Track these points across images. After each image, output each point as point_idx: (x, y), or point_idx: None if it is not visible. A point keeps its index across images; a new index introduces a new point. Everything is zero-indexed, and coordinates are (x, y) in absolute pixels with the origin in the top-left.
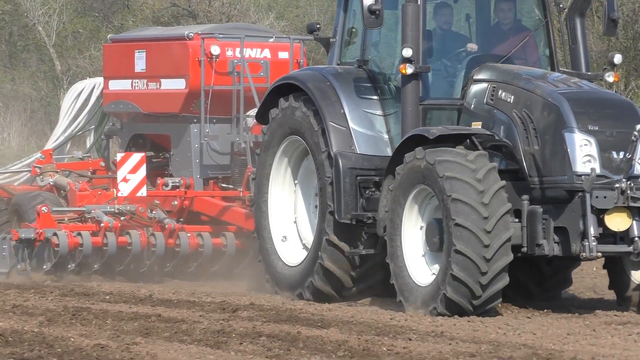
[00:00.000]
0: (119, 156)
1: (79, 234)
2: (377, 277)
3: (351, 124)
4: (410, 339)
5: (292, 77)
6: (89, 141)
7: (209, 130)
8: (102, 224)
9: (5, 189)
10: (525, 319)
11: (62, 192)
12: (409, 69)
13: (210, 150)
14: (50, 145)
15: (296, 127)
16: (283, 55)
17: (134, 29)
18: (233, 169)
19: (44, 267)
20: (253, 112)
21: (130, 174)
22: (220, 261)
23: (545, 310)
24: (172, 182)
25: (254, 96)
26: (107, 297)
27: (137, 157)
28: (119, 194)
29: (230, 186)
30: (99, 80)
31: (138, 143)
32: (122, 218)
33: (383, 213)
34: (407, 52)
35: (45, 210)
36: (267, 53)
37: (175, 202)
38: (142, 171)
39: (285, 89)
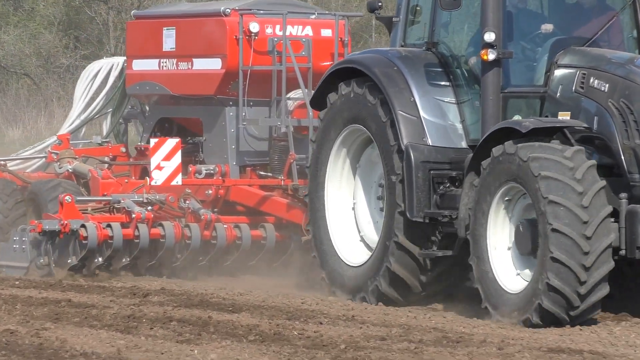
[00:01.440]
0: (152, 142)
1: (109, 226)
2: (448, 281)
3: (422, 113)
4: (321, 323)
5: (354, 61)
6: (106, 125)
7: (247, 114)
8: (133, 215)
9: (19, 177)
10: (435, 303)
11: (81, 179)
12: (491, 55)
13: (247, 135)
14: (65, 129)
15: (358, 116)
16: (326, 33)
17: (162, 4)
18: (272, 156)
19: (69, 261)
20: (294, 94)
21: (165, 161)
22: (259, 255)
23: (453, 295)
24: (206, 170)
25: (297, 77)
26: (17, 283)
27: (171, 143)
28: (152, 183)
29: (269, 174)
30: (118, 59)
31: (164, 127)
32: (149, 208)
33: (465, 211)
34: (490, 37)
35: (69, 200)
36: (309, 31)
37: (210, 191)
38: (177, 158)
39: (343, 73)
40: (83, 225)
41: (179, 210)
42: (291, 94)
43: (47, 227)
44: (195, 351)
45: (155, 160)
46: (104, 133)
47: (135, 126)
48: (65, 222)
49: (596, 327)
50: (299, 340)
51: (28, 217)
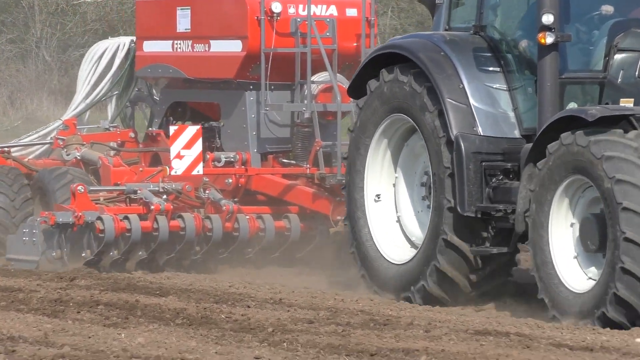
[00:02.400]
0: (172, 129)
1: (126, 218)
2: (498, 280)
3: (472, 101)
4: (248, 306)
5: (397, 46)
6: (111, 109)
7: (268, 99)
8: (151, 207)
9: (24, 164)
10: (362, 285)
11: (90, 167)
12: (549, 38)
13: (268, 121)
14: (69, 114)
15: (402, 105)
16: (351, 12)
17: None
18: (295, 142)
19: (83, 254)
20: (317, 77)
21: (185, 149)
22: (282, 246)
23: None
24: (226, 158)
25: (323, 59)
26: None
27: (192, 130)
28: (172, 172)
29: (292, 162)
30: (124, 40)
31: (177, 112)
32: (164, 197)
33: (523, 205)
34: (548, 19)
35: (82, 190)
36: (333, 10)
37: (230, 180)
38: (198, 146)
39: (383, 59)
40: (99, 218)
41: (197, 199)
42: (315, 77)
43: (60, 219)
44: (123, 335)
45: (175, 148)
46: (109, 117)
47: (142, 110)
48: (80, 214)
49: (522, 311)
50: (227, 324)
51: (35, 206)
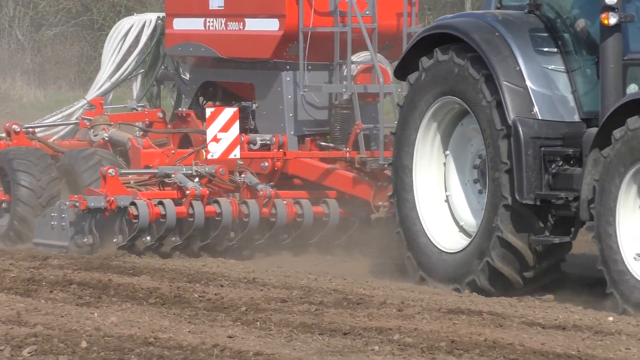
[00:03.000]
0: (208, 111)
1: (161, 203)
2: (552, 276)
3: (529, 84)
4: (222, 286)
5: (449, 26)
6: (136, 88)
7: (306, 80)
8: (187, 192)
9: (50, 145)
10: (336, 264)
11: (117, 148)
12: (612, 19)
13: (305, 102)
14: (93, 93)
15: (455, 87)
16: None
17: None
18: (333, 125)
19: (114, 240)
20: (357, 57)
21: (222, 132)
22: (320, 232)
23: (355, 256)
24: (261, 140)
25: (365, 39)
26: None
27: (229, 112)
28: (209, 156)
29: (331, 145)
30: (150, 16)
31: (208, 91)
32: (196, 180)
33: (587, 192)
34: None
35: (113, 174)
36: None
37: (266, 164)
38: (235, 129)
39: (433, 39)
40: (133, 203)
41: (231, 183)
42: (354, 57)
43: (92, 204)
44: (96, 314)
45: (211, 131)
46: (135, 96)
47: (168, 88)
48: (112, 198)
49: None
50: (200, 303)
51: (62, 188)
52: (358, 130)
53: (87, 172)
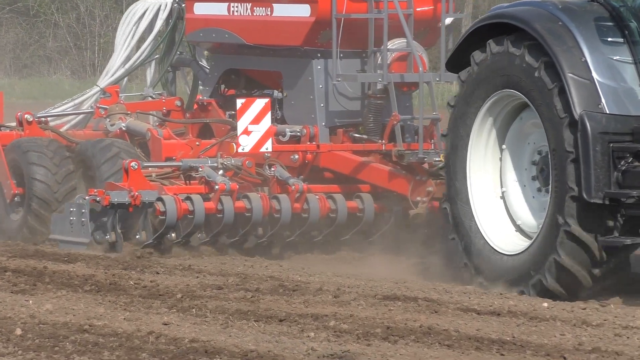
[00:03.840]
0: (239, 103)
1: (189, 199)
2: (621, 273)
3: (595, 76)
4: (157, 273)
5: (507, 15)
6: (150, 74)
7: (339, 68)
8: (216, 187)
9: (63, 135)
10: (271, 252)
11: (135, 138)
12: None
13: (337, 92)
14: (106, 80)
15: (512, 80)
16: None
17: None
18: (366, 116)
19: (137, 237)
20: (392, 44)
21: (253, 124)
22: (354, 228)
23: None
24: (291, 132)
25: (402, 25)
26: None
27: (260, 103)
28: (240, 149)
29: (364, 136)
30: (165, 0)
31: (230, 79)
32: (220, 172)
33: None
34: None
35: (135, 167)
36: None
37: (296, 156)
38: (267, 121)
39: (484, 31)
40: (160, 199)
41: (258, 176)
42: (389, 45)
43: (115, 199)
44: (30, 301)
45: (242, 123)
46: (148, 83)
47: (183, 75)
48: (136, 193)
49: (431, 276)
50: (135, 290)
51: (78, 180)
52: (395, 122)
53: (106, 164)
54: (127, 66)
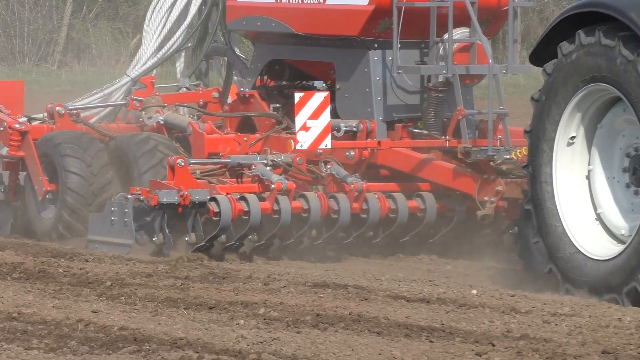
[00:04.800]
0: (297, 97)
1: (243, 199)
2: None
3: None
4: (87, 261)
5: (600, 4)
6: (180, 65)
7: (399, 60)
8: (272, 185)
9: (97, 129)
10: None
11: (173, 132)
12: None
13: (395, 85)
14: (137, 70)
15: (605, 73)
16: None
17: None
18: (426, 110)
19: (186, 238)
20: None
21: (312, 119)
22: (414, 230)
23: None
24: (346, 127)
25: (470, 13)
26: None
27: (319, 97)
28: (298, 146)
29: (424, 132)
30: None
31: (274, 70)
32: (267, 169)
33: None
34: None
35: (182, 164)
36: None
37: (352, 153)
38: (326, 116)
39: (577, 19)
40: (213, 199)
41: (309, 174)
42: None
43: (164, 199)
44: None
45: (300, 118)
46: (178, 73)
47: (216, 65)
48: (186, 192)
49: (363, 264)
50: (64, 278)
51: (113, 178)
52: (460, 117)
53: (143, 157)
54: (159, 55)
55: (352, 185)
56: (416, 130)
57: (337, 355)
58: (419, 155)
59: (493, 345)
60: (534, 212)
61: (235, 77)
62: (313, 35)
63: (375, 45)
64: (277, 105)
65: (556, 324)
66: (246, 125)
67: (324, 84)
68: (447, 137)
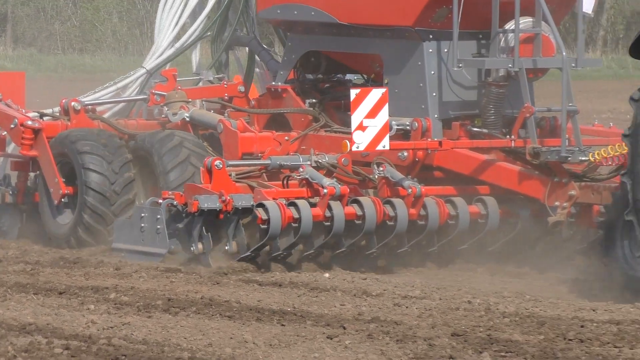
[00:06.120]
0: (353, 93)
1: (293, 205)
2: None
3: None
4: None
5: None
6: (195, 56)
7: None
8: (324, 190)
9: (114, 126)
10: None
11: (199, 130)
12: None
13: (451, 80)
14: (153, 62)
15: None
16: None
17: None
18: (485, 106)
19: (226, 247)
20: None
21: (368, 118)
22: (475, 237)
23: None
24: (398, 125)
25: (539, 2)
26: None
27: (377, 93)
28: (354, 147)
29: (483, 130)
30: None
31: (309, 62)
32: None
33: None
34: None
35: (220, 166)
36: None
37: (405, 154)
38: (384, 114)
39: None
40: (261, 204)
41: (356, 175)
42: (513, 26)
43: (205, 204)
44: None
45: (357, 117)
46: (194, 66)
47: (235, 56)
48: (228, 198)
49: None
50: None
51: (137, 179)
52: (527, 114)
53: (167, 155)
54: (177, 45)
55: (409, 190)
56: (475, 129)
57: (189, 339)
58: (481, 156)
59: (344, 328)
60: (637, 223)
61: (257, 70)
62: (359, 26)
63: (430, 37)
64: (314, 100)
65: (407, 307)
66: (275, 122)
67: (362, 78)
68: (512, 137)
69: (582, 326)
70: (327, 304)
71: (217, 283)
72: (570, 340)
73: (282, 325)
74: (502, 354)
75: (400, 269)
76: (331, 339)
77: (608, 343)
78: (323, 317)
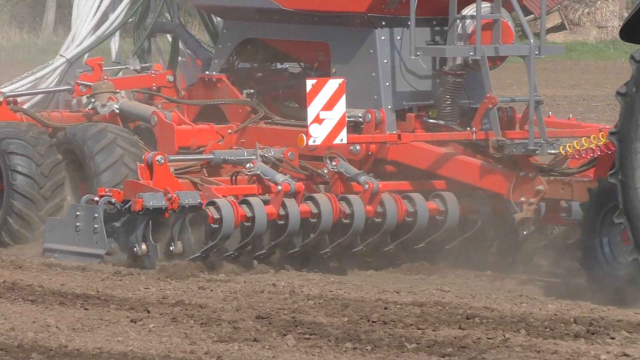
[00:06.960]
0: (309, 84)
1: (246, 202)
2: None
3: None
4: None
5: None
6: (114, 44)
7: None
8: (279, 187)
9: (38, 119)
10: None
11: (128, 122)
12: None
13: (405, 69)
14: (72, 50)
15: None
16: None
17: None
18: (441, 97)
19: (171, 248)
20: (471, 10)
21: (325, 110)
22: (432, 235)
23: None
24: (351, 117)
25: None
26: None
27: (334, 84)
28: (311, 142)
29: (440, 122)
30: None
31: (245, 51)
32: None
33: None
34: None
35: (162, 161)
36: None
37: (357, 147)
38: (341, 106)
39: None
40: (212, 202)
41: (302, 170)
42: (470, 11)
43: (150, 203)
44: None
45: (313, 109)
46: (113, 54)
47: (156, 43)
48: (174, 195)
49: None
50: None
51: (67, 177)
52: (490, 105)
53: (101, 154)
54: (98, 33)
55: (366, 186)
56: (431, 121)
57: None
58: (439, 149)
59: (148, 311)
60: (629, 225)
61: (180, 58)
62: (304, 12)
63: (383, 23)
64: (251, 91)
65: (211, 290)
66: (206, 114)
67: (299, 66)
68: (474, 129)
69: (385, 308)
70: (131, 287)
71: (20, 267)
72: (374, 322)
73: (86, 309)
74: (307, 336)
75: None
76: (135, 322)
77: (411, 325)
78: (127, 300)
